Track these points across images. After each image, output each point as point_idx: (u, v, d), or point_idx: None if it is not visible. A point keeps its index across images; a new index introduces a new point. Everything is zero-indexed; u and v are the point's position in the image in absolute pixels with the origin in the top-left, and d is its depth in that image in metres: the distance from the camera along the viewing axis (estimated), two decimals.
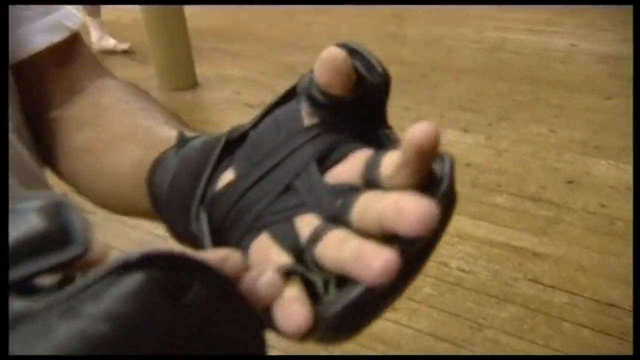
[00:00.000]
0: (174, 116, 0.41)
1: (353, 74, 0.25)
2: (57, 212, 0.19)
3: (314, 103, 0.26)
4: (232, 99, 2.77)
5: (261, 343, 0.22)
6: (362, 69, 0.25)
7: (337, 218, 0.23)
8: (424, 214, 0.19)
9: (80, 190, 0.41)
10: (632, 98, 2.12)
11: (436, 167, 0.22)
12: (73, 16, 0.43)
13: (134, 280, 0.18)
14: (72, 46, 0.44)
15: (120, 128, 0.39)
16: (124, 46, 3.42)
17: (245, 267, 0.22)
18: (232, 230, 0.27)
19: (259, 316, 0.22)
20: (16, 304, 0.17)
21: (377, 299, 0.22)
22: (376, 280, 0.19)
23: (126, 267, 0.18)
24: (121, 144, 0.38)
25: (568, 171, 1.96)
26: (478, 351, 1.33)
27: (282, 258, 0.24)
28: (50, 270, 0.18)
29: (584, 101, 2.44)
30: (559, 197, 1.83)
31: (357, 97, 0.25)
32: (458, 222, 1.73)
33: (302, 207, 0.25)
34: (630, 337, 1.31)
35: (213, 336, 0.20)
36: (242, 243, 0.26)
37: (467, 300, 1.47)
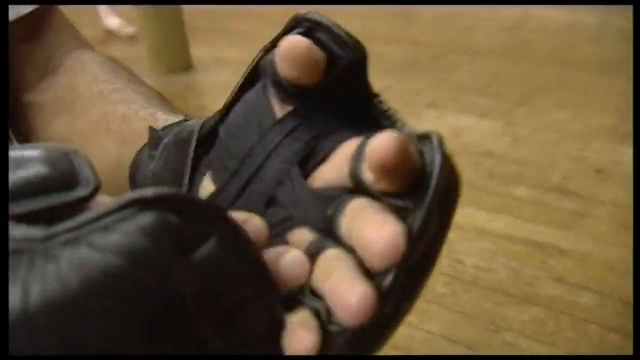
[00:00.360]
0: (153, 94, 0.40)
1: (321, 59, 0.23)
2: (64, 158, 0.19)
3: (283, 90, 0.24)
4: (230, 82, 2.71)
5: (277, 331, 0.20)
6: (331, 45, 0.24)
7: (329, 230, 0.22)
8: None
9: None
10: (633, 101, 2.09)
11: (426, 150, 0.20)
12: None
13: (146, 218, 0.17)
14: (44, 17, 0.43)
15: (94, 116, 0.39)
16: (129, 30, 3.24)
17: (268, 238, 0.21)
18: None
19: (281, 296, 0.21)
20: (15, 232, 0.17)
21: (379, 327, 0.21)
22: (353, 320, 0.18)
23: (140, 204, 0.17)
24: (95, 137, 0.38)
25: (595, 160, 1.94)
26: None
27: None
28: (55, 210, 0.18)
29: (613, 83, 2.41)
30: (585, 188, 1.81)
31: (331, 78, 0.24)
32: (474, 215, 1.71)
33: (291, 221, 0.24)
34: None
35: (219, 306, 0.19)
36: None
37: (483, 301, 1.46)
